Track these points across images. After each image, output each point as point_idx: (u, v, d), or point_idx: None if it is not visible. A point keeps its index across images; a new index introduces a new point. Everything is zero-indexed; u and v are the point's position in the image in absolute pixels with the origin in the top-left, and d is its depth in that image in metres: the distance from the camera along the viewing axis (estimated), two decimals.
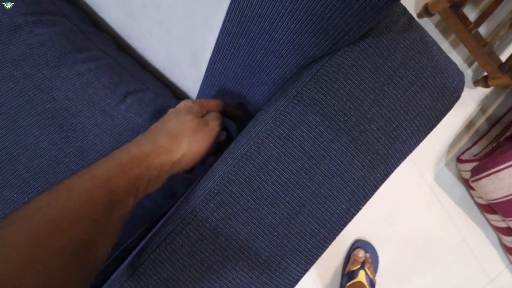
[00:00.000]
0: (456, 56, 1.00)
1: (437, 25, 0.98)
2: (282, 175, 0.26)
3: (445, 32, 0.99)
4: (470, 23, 0.84)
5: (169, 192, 0.45)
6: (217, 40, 0.34)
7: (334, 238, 0.27)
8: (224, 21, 0.31)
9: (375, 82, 0.26)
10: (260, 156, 0.26)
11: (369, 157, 0.27)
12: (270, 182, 0.26)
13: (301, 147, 0.26)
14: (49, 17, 0.43)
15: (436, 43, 0.28)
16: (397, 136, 0.27)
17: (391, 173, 0.28)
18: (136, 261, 0.26)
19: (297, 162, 0.26)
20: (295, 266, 0.27)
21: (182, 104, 0.34)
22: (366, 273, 0.89)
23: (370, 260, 0.94)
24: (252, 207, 0.25)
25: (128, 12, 0.42)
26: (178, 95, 0.50)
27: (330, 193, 0.26)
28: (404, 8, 0.28)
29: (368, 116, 0.26)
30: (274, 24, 0.27)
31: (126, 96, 0.42)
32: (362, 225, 0.94)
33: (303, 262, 0.27)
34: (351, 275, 0.88)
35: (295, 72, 0.31)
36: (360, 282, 0.86)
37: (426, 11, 0.91)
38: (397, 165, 0.28)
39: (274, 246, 0.26)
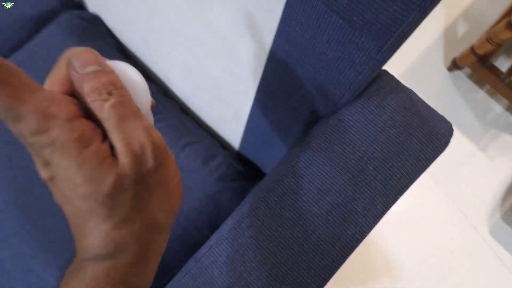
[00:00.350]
0: (495, 104, 1.00)
1: (470, 77, 1.02)
2: (296, 203, 0.33)
3: (479, 83, 1.02)
4: (502, 73, 0.86)
5: (213, 222, 0.53)
6: (251, 107, 0.46)
7: (343, 261, 0.33)
8: (255, 96, 0.43)
9: (368, 132, 0.34)
10: (280, 189, 0.34)
11: (368, 192, 0.33)
12: (288, 209, 0.33)
13: (311, 182, 0.33)
14: None
15: (421, 100, 0.36)
16: (392, 174, 0.33)
17: (391, 206, 0.33)
18: (185, 267, 0.34)
19: (309, 193, 0.33)
20: (310, 282, 0.32)
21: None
22: None
23: None
24: (273, 227, 0.33)
25: (191, 85, 0.57)
26: (224, 144, 0.62)
27: (337, 220, 0.33)
28: (391, 76, 0.36)
29: (365, 158, 0.34)
30: (292, 97, 0.38)
31: (185, 147, 0.54)
32: (414, 283, 0.89)
33: (316, 280, 0.33)
34: None
35: (310, 125, 0.40)
36: None
37: (455, 65, 0.96)
38: (396, 199, 0.33)
39: (291, 262, 0.32)
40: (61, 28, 0.62)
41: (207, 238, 0.53)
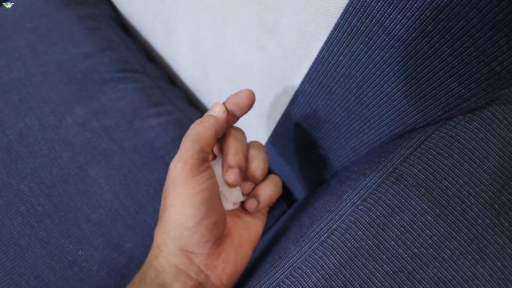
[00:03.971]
0: None
1: None
2: (374, 276, 0.19)
3: None
4: None
5: None
6: (291, 99, 0.32)
7: None
8: (302, 82, 0.29)
9: (504, 161, 0.20)
10: (345, 246, 0.20)
11: (499, 264, 0.19)
12: (358, 283, 0.19)
13: (401, 240, 0.20)
14: (132, 74, 0.46)
15: None
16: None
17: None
18: None
19: (395, 260, 0.19)
20: None
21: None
22: None
23: None
24: None
25: (203, 71, 0.43)
26: None
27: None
28: None
29: (496, 206, 0.20)
30: (364, 86, 0.24)
31: None
32: None
33: None
34: None
35: (385, 140, 0.26)
36: None
37: None
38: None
39: None
40: None
41: None
